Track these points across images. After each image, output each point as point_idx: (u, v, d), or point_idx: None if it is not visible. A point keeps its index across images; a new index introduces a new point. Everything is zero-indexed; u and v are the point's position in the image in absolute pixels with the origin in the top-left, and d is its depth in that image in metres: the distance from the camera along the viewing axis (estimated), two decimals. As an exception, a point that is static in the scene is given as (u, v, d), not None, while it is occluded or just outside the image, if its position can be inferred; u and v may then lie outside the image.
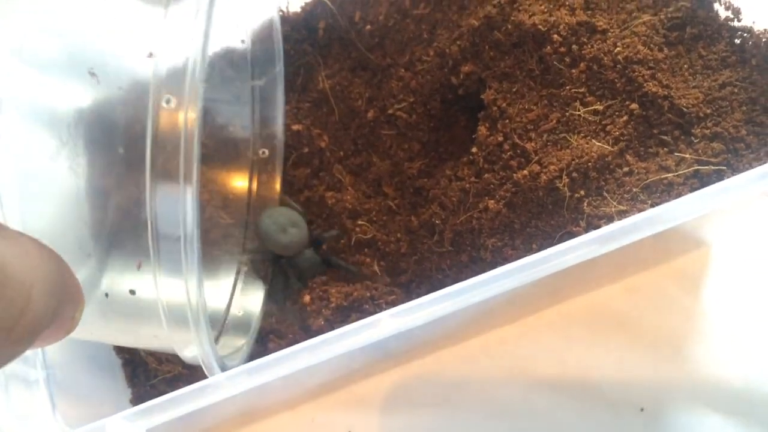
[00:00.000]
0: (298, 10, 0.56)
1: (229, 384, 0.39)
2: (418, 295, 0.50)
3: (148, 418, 0.38)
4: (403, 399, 0.52)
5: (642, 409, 0.50)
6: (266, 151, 0.54)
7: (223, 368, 0.40)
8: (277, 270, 0.52)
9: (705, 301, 0.53)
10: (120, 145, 0.34)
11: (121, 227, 0.35)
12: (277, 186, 0.54)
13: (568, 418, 0.51)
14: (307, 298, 0.50)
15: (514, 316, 0.54)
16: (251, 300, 0.52)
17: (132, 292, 0.36)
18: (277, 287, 0.52)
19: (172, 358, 0.49)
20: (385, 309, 0.49)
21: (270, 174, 0.55)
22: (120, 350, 0.50)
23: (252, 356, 0.49)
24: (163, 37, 0.34)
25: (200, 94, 0.32)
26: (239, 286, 0.52)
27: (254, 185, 0.56)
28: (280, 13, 0.56)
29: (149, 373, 0.48)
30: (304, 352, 0.39)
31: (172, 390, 0.47)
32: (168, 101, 0.33)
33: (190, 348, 0.37)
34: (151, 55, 0.34)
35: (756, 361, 0.51)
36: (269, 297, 0.52)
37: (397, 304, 0.49)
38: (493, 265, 0.45)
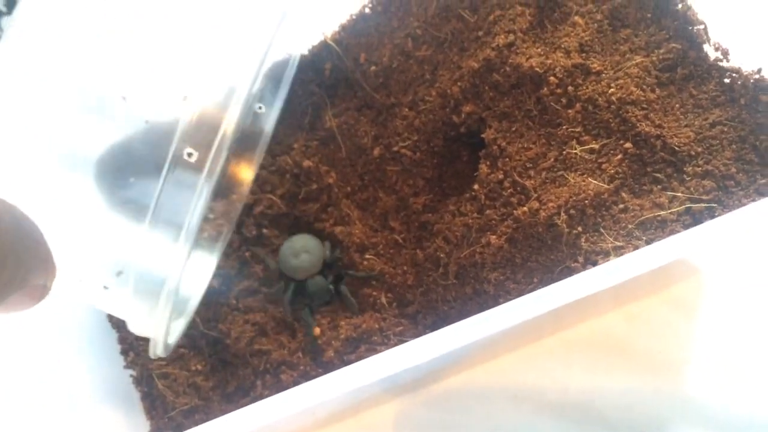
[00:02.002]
0: (306, 52, 0.58)
1: (251, 418, 0.41)
2: (425, 326, 0.52)
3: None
4: (410, 427, 0.54)
5: (643, 434, 0.51)
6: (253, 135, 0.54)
7: (167, 348, 0.41)
8: (289, 292, 0.54)
9: (701, 327, 0.55)
10: (132, 176, 0.34)
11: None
12: (251, 175, 0.54)
13: (572, 443, 0.52)
14: (317, 330, 0.52)
15: (517, 344, 0.56)
16: (197, 279, 0.51)
17: (105, 287, 0.36)
18: (287, 306, 0.54)
19: (189, 391, 0.51)
20: (393, 340, 0.52)
21: (248, 161, 0.55)
22: (138, 383, 0.51)
23: (264, 386, 0.51)
24: (202, 83, 0.33)
25: (224, 158, 0.33)
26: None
27: (231, 164, 0.55)
28: (288, 55, 0.58)
29: (167, 406, 0.50)
30: (320, 388, 0.41)
31: (189, 421, 0.50)
32: (190, 155, 0.33)
33: (143, 326, 0.38)
34: (185, 98, 0.33)
35: (751, 384, 0.52)
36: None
37: (405, 335, 0.52)
38: (496, 299, 0.47)
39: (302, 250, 0.54)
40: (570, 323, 0.56)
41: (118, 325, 0.52)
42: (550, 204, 0.46)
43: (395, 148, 0.55)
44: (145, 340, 0.51)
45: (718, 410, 0.52)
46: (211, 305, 0.53)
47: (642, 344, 0.54)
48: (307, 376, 0.51)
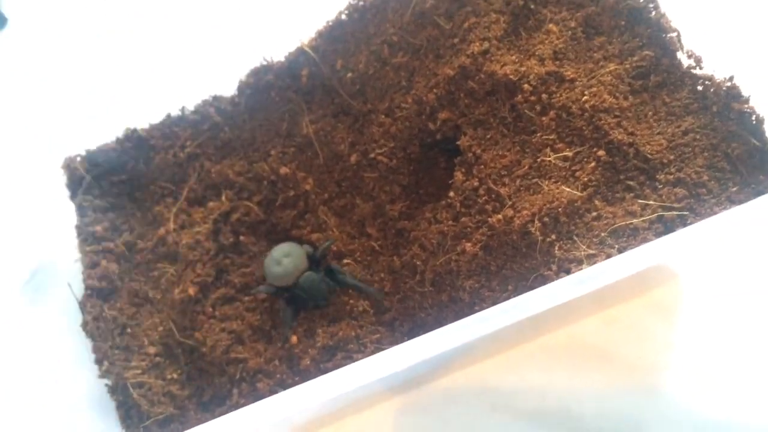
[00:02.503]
0: (282, 59, 0.58)
1: (228, 426, 0.41)
2: (402, 333, 0.52)
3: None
4: (389, 434, 0.54)
5: (620, 440, 0.52)
6: None
7: None
8: (283, 302, 0.54)
9: (679, 331, 0.55)
10: None
11: None
12: None
13: (549, 450, 0.52)
14: (294, 338, 0.52)
15: (497, 350, 0.55)
16: None
17: None
18: (287, 317, 0.53)
19: (164, 400, 0.51)
20: (370, 347, 0.51)
21: None
22: (113, 392, 0.51)
23: (240, 395, 0.51)
24: None
25: None
26: None
27: None
28: (264, 63, 0.58)
29: (142, 415, 0.50)
30: (297, 396, 0.42)
31: (165, 431, 0.50)
32: None
33: None
34: None
35: (727, 387, 0.53)
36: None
37: (382, 343, 0.52)
38: (471, 306, 0.47)
39: (283, 257, 0.53)
40: (550, 329, 0.56)
41: (92, 334, 0.52)
42: (525, 211, 0.46)
43: (372, 155, 0.55)
44: (121, 349, 0.51)
45: (696, 413, 0.52)
46: (188, 313, 0.53)
47: (621, 349, 0.54)
48: (283, 384, 0.51)
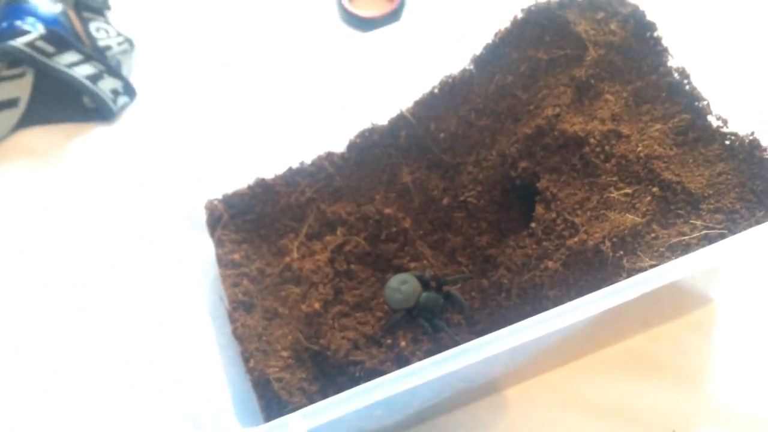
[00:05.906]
0: (385, 122, 0.72)
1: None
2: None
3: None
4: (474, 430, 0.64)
5: (674, 431, 0.62)
6: None
7: None
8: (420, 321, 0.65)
9: (716, 346, 0.67)
10: None
11: None
12: None
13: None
14: (403, 343, 0.64)
15: (563, 361, 0.67)
16: None
17: None
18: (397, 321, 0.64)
19: (298, 394, 0.61)
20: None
21: None
22: (256, 386, 0.61)
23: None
24: None
25: None
26: None
27: None
28: (371, 126, 0.72)
29: (281, 405, 0.60)
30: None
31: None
32: None
33: None
34: None
35: (758, 390, 0.64)
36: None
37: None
38: (554, 312, 0.59)
39: (400, 285, 0.65)
40: (605, 344, 0.67)
41: (240, 337, 0.63)
42: (596, 234, 0.58)
43: (462, 198, 0.68)
44: (260, 351, 0.62)
45: (733, 410, 0.63)
46: (313, 324, 0.65)
47: (668, 361, 0.66)
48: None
